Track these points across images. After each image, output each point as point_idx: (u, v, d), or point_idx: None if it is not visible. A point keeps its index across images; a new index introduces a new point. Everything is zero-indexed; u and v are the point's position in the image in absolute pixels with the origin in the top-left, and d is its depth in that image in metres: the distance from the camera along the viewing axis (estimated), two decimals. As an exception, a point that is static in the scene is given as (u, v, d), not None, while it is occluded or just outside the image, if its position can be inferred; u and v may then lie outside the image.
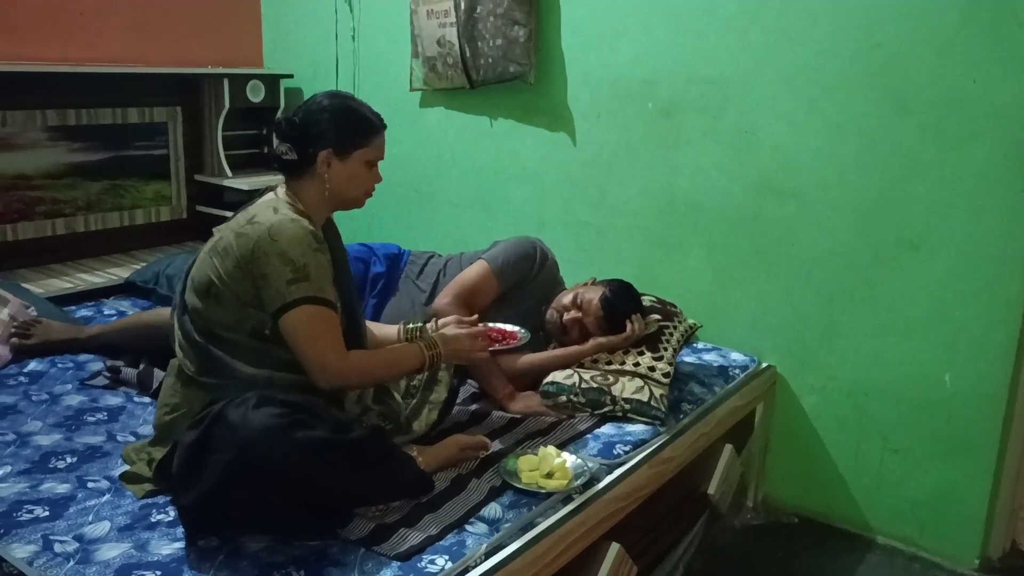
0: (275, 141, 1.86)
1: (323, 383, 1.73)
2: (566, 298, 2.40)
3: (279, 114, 3.70)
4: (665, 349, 2.34)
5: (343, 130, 1.82)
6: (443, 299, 2.31)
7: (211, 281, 1.75)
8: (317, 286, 1.72)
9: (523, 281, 2.42)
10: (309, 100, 1.87)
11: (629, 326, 2.33)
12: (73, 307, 2.89)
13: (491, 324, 2.18)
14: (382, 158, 1.90)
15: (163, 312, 2.42)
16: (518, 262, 2.41)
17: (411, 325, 2.12)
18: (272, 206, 1.78)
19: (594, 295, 2.35)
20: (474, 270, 2.39)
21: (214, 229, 1.87)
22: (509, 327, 2.20)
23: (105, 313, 2.89)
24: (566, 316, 2.37)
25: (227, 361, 1.75)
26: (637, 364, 2.28)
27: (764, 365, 2.72)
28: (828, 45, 2.48)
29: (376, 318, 2.44)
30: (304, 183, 1.84)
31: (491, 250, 2.45)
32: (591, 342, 2.34)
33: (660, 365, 2.28)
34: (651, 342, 2.36)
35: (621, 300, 2.36)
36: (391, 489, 1.71)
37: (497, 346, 2.10)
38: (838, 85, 2.48)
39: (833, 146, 2.52)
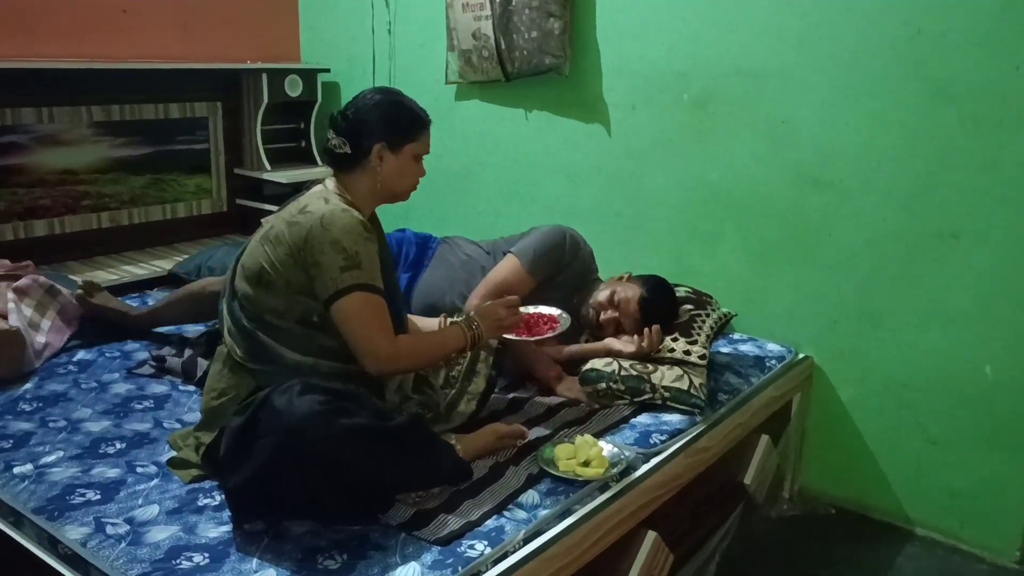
0: (329, 135, 1.90)
1: (373, 368, 1.79)
2: (602, 295, 2.39)
3: (316, 108, 3.75)
4: (698, 334, 2.33)
5: (395, 124, 1.87)
6: (473, 300, 2.33)
7: (263, 268, 1.81)
8: (369, 274, 1.77)
9: (555, 272, 2.43)
10: (359, 96, 1.92)
11: (640, 339, 2.29)
12: (119, 298, 2.95)
13: (531, 309, 2.20)
14: (428, 152, 1.95)
15: (209, 281, 2.50)
16: (549, 253, 2.40)
17: (452, 319, 2.14)
18: (323, 197, 1.84)
19: (632, 294, 2.35)
20: (504, 267, 2.38)
21: (263, 220, 1.92)
22: (547, 309, 2.22)
23: (149, 304, 2.95)
24: (603, 315, 2.38)
25: (274, 347, 1.81)
26: (672, 351, 2.27)
27: (801, 356, 2.71)
28: (866, 34, 2.45)
29: (408, 292, 2.48)
30: (355, 176, 1.89)
31: (521, 241, 2.44)
32: (601, 344, 2.35)
33: (695, 349, 2.28)
34: (683, 329, 2.35)
35: (659, 301, 2.36)
36: (431, 476, 1.74)
37: (537, 334, 2.13)
38: (876, 74, 2.46)
39: (871, 136, 2.50)
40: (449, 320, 2.15)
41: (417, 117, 1.91)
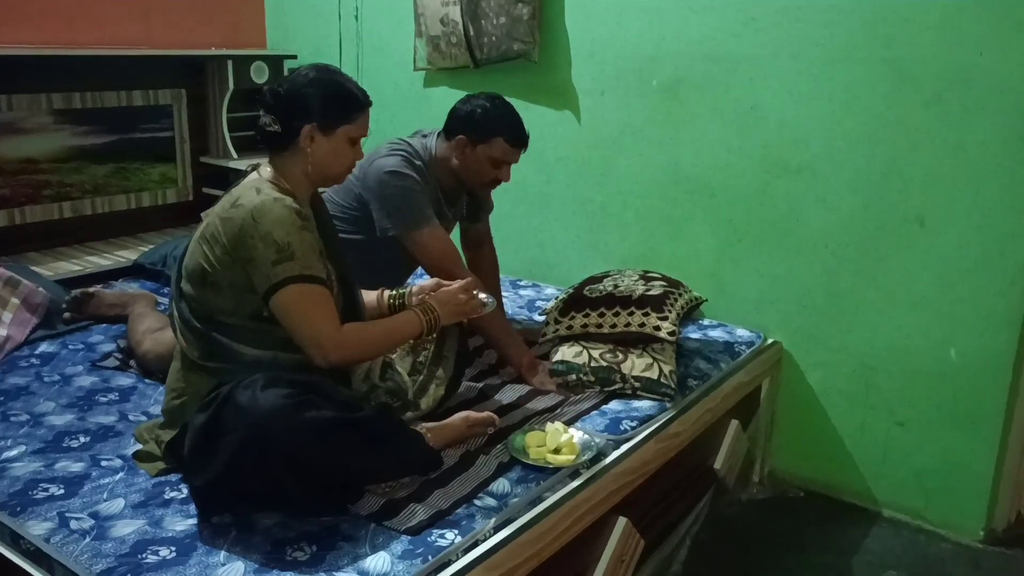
0: (260, 111, 1.79)
1: (320, 360, 1.71)
2: (485, 170, 2.31)
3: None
4: (670, 311, 2.33)
5: (329, 105, 1.77)
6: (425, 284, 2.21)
7: (204, 269, 1.73)
8: (303, 264, 1.69)
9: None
10: (295, 72, 1.82)
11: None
12: (82, 289, 2.91)
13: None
14: (366, 135, 1.85)
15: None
16: (415, 196, 2.25)
17: (393, 292, 2.07)
18: (255, 187, 1.74)
19: (498, 147, 2.27)
20: (424, 244, 2.26)
21: (202, 214, 1.85)
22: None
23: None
24: (498, 174, 2.32)
25: (230, 345, 1.74)
26: (643, 324, 2.26)
27: (770, 341, 2.73)
28: (832, 19, 2.46)
29: None
30: (287, 158, 1.79)
31: (390, 220, 2.27)
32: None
33: (665, 325, 2.27)
34: (655, 304, 2.34)
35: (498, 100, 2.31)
36: (400, 466, 1.73)
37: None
38: (843, 59, 2.47)
39: (838, 121, 2.51)
40: (390, 294, 2.07)
41: (353, 98, 1.80)
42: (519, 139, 2.30)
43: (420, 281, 2.20)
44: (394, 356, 2.07)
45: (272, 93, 1.78)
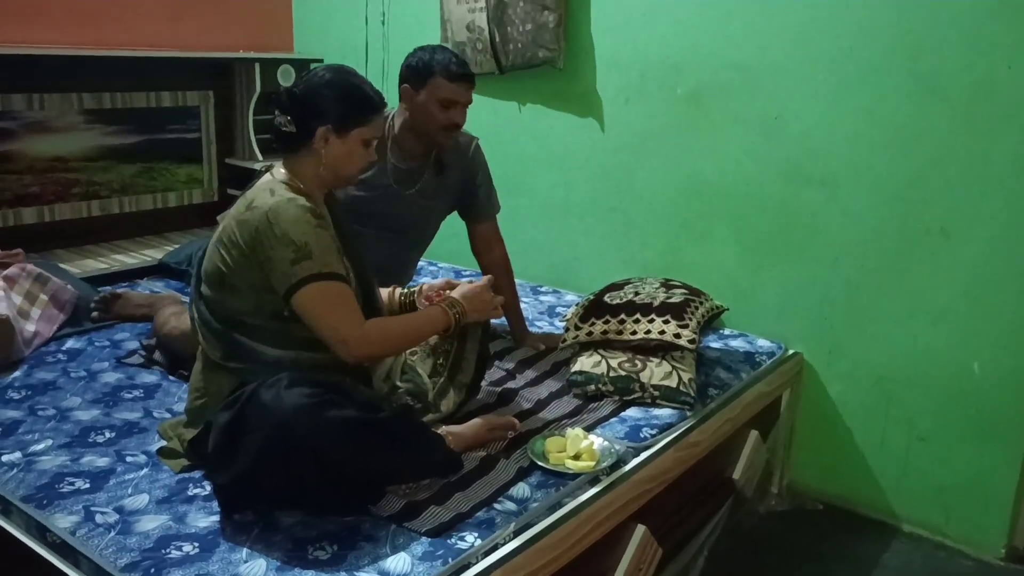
0: (275, 111, 1.80)
1: (345, 355, 1.72)
2: (438, 111, 2.31)
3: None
4: (690, 319, 2.32)
5: (344, 107, 1.76)
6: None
7: (222, 272, 1.75)
8: (321, 262, 1.69)
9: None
10: (311, 73, 1.82)
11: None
12: (108, 287, 2.94)
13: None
14: (380, 137, 1.86)
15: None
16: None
17: (404, 290, 2.09)
18: (269, 188, 1.75)
19: (442, 87, 2.29)
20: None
21: (218, 217, 1.86)
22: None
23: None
24: (450, 115, 2.32)
25: (251, 345, 1.75)
26: (663, 332, 2.26)
27: (791, 352, 2.72)
28: (859, 30, 2.46)
29: None
30: (301, 159, 1.79)
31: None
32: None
33: (685, 332, 2.26)
34: (675, 311, 2.32)
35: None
36: (421, 467, 1.74)
37: None
38: (869, 71, 2.46)
39: (863, 132, 2.51)
40: (399, 292, 2.08)
41: (369, 100, 1.79)
42: (453, 72, 2.28)
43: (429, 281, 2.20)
44: (414, 358, 2.08)
45: (288, 94, 1.78)
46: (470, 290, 1.94)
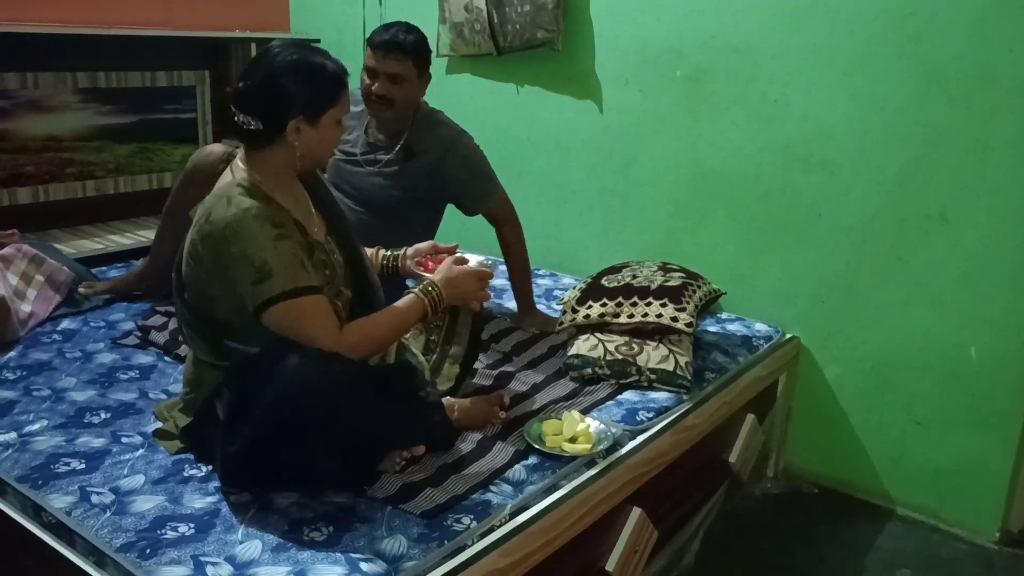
0: (233, 110, 1.63)
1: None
2: (365, 83, 2.36)
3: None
4: (687, 302, 2.31)
5: (312, 92, 1.63)
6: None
7: (200, 289, 1.67)
8: (284, 278, 1.58)
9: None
10: (265, 59, 1.64)
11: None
12: (104, 268, 2.94)
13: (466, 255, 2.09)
14: (348, 111, 1.74)
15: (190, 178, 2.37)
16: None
17: (388, 252, 2.06)
18: (226, 196, 1.61)
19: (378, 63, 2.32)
20: None
21: (190, 212, 1.73)
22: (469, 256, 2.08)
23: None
24: (374, 86, 2.33)
25: (242, 349, 1.67)
26: (660, 315, 2.25)
27: (788, 336, 2.72)
28: (861, 14, 2.44)
29: None
30: (269, 152, 1.66)
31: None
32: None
33: (683, 316, 2.26)
34: (673, 295, 2.31)
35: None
36: (419, 430, 1.73)
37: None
38: (870, 54, 2.45)
39: (863, 116, 2.49)
40: (384, 254, 2.05)
41: (335, 76, 1.66)
42: (372, 39, 2.33)
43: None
44: (408, 336, 2.06)
45: (247, 90, 1.63)
46: (454, 273, 1.85)
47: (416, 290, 1.81)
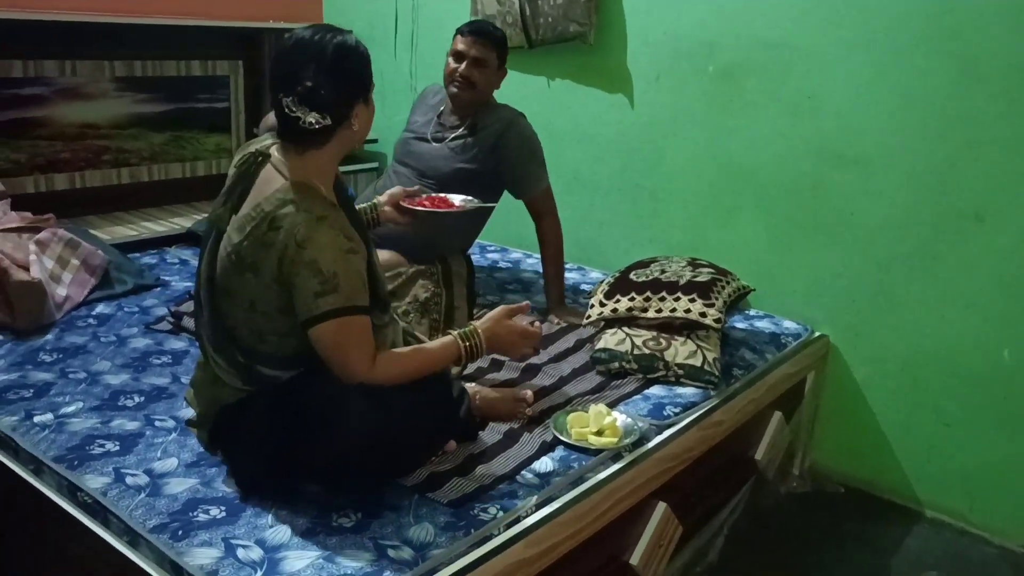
0: (299, 112, 1.53)
1: (347, 382, 1.59)
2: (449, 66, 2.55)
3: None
4: (716, 298, 2.30)
5: (361, 72, 1.61)
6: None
7: (253, 300, 1.59)
8: (346, 294, 1.54)
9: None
10: (308, 52, 1.55)
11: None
12: (137, 254, 2.98)
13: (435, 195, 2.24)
14: None
15: None
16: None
17: (365, 204, 2.10)
18: (289, 200, 1.54)
19: (467, 46, 2.52)
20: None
21: (208, 217, 1.70)
22: (451, 197, 2.26)
23: (168, 261, 2.98)
24: (458, 68, 2.52)
25: (272, 375, 1.63)
26: (688, 310, 2.25)
27: (817, 334, 2.70)
28: (897, 9, 2.41)
29: None
30: (325, 148, 1.61)
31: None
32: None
33: (712, 312, 2.25)
34: (702, 290, 2.31)
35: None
36: (445, 418, 1.74)
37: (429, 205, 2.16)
38: (906, 51, 2.42)
39: (898, 113, 2.47)
40: (361, 207, 2.02)
41: (364, 47, 1.63)
42: (462, 27, 2.56)
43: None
44: (409, 319, 2.07)
45: (315, 89, 1.53)
46: (501, 329, 1.78)
47: (455, 333, 1.75)
